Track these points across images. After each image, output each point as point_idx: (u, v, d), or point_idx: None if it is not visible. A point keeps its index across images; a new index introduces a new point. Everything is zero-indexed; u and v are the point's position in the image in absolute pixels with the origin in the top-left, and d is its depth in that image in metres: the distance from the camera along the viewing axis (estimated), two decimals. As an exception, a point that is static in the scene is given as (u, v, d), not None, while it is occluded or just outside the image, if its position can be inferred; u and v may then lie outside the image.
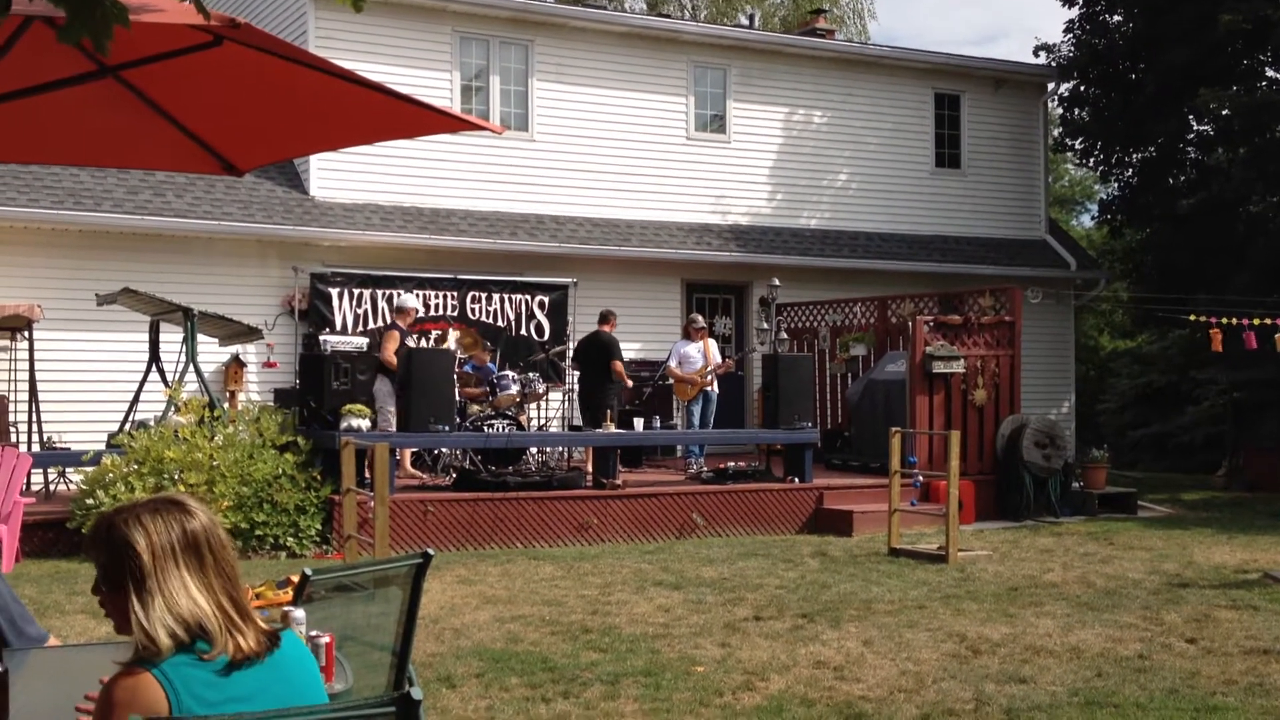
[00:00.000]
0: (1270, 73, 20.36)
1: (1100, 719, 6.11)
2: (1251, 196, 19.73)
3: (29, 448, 12.89)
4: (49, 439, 13.22)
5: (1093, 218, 31.95)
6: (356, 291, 15.30)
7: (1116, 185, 23.46)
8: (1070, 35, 21.51)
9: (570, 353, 15.51)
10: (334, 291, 15.20)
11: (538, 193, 17.18)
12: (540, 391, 14.11)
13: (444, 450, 13.78)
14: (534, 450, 14.30)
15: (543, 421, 15.66)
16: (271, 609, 5.80)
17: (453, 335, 14.77)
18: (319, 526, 11.53)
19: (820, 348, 17.68)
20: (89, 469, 11.43)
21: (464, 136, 15.16)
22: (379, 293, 15.38)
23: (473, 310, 15.86)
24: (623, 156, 17.77)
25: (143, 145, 4.48)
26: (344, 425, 11.72)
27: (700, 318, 15.43)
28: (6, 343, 13.83)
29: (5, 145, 4.59)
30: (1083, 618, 8.51)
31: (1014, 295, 15.59)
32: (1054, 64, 21.30)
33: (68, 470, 12.82)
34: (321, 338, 14.44)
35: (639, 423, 13.86)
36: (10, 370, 13.78)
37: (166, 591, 2.41)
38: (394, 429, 12.49)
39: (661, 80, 18.11)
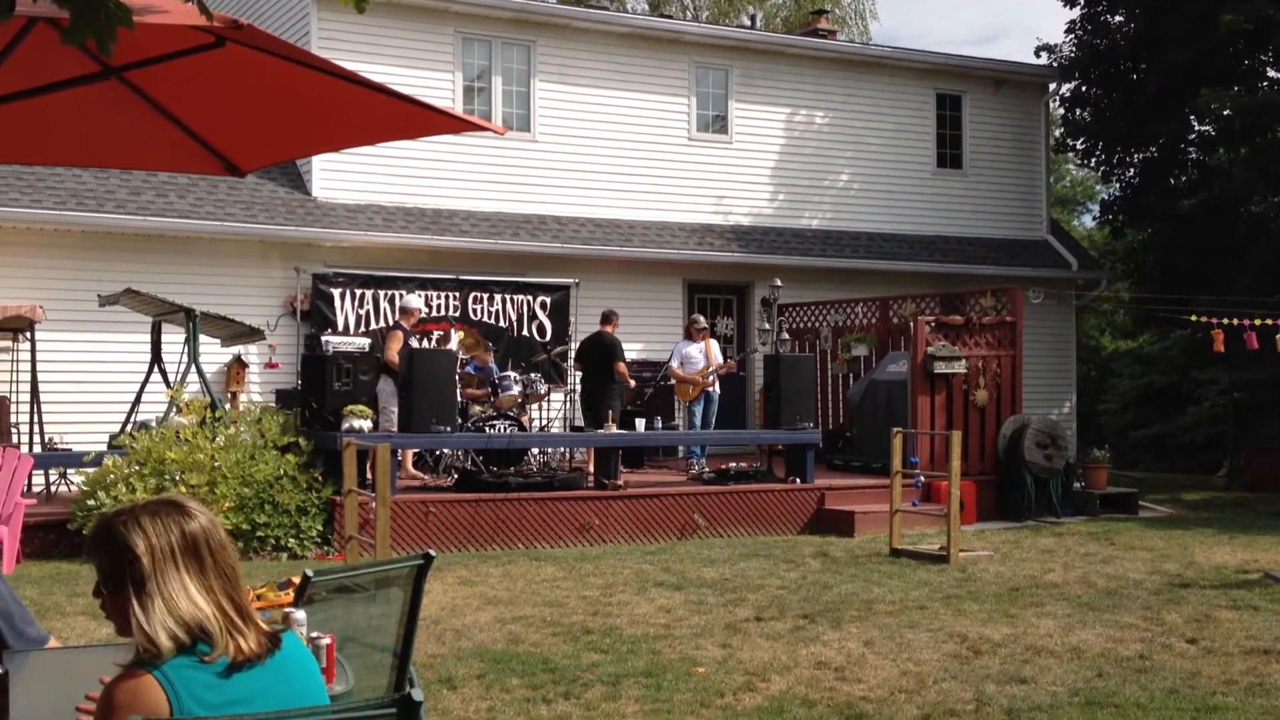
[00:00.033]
0: (1271, 73, 20.36)
1: (1101, 719, 6.11)
2: (1253, 197, 19.71)
3: (30, 449, 12.90)
4: (50, 440, 13.22)
5: (1094, 218, 31.93)
6: (358, 292, 15.31)
7: (1118, 185, 23.47)
8: (1071, 35, 21.52)
9: (572, 353, 15.52)
10: (336, 292, 15.20)
11: (539, 193, 17.19)
12: (542, 392, 14.12)
13: (446, 451, 13.78)
14: (536, 451, 14.30)
15: (544, 422, 15.66)
16: (273, 610, 5.81)
17: (456, 336, 14.76)
18: (320, 528, 11.53)
19: (822, 348, 17.69)
20: (90, 470, 11.43)
21: (466, 137, 15.16)
22: (381, 293, 15.38)
23: (474, 311, 15.86)
24: (624, 157, 17.77)
25: (146, 146, 4.48)
26: (345, 426, 11.73)
27: (702, 318, 15.43)
28: (8, 343, 13.84)
29: (8, 146, 4.59)
30: (1084, 618, 8.51)
31: (1015, 295, 15.59)
32: (1055, 64, 21.31)
33: (69, 471, 12.82)
34: (323, 338, 14.45)
35: (640, 423, 13.87)
36: (12, 371, 13.79)
37: (166, 594, 2.41)
38: (397, 429, 12.50)
39: (663, 81, 18.12)
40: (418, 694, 2.35)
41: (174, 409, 12.16)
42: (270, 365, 15.38)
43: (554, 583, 9.93)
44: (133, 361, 13.60)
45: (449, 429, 12.17)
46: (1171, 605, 9.01)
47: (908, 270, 18.95)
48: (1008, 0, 70.47)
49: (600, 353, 14.06)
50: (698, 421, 14.84)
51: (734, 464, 14.27)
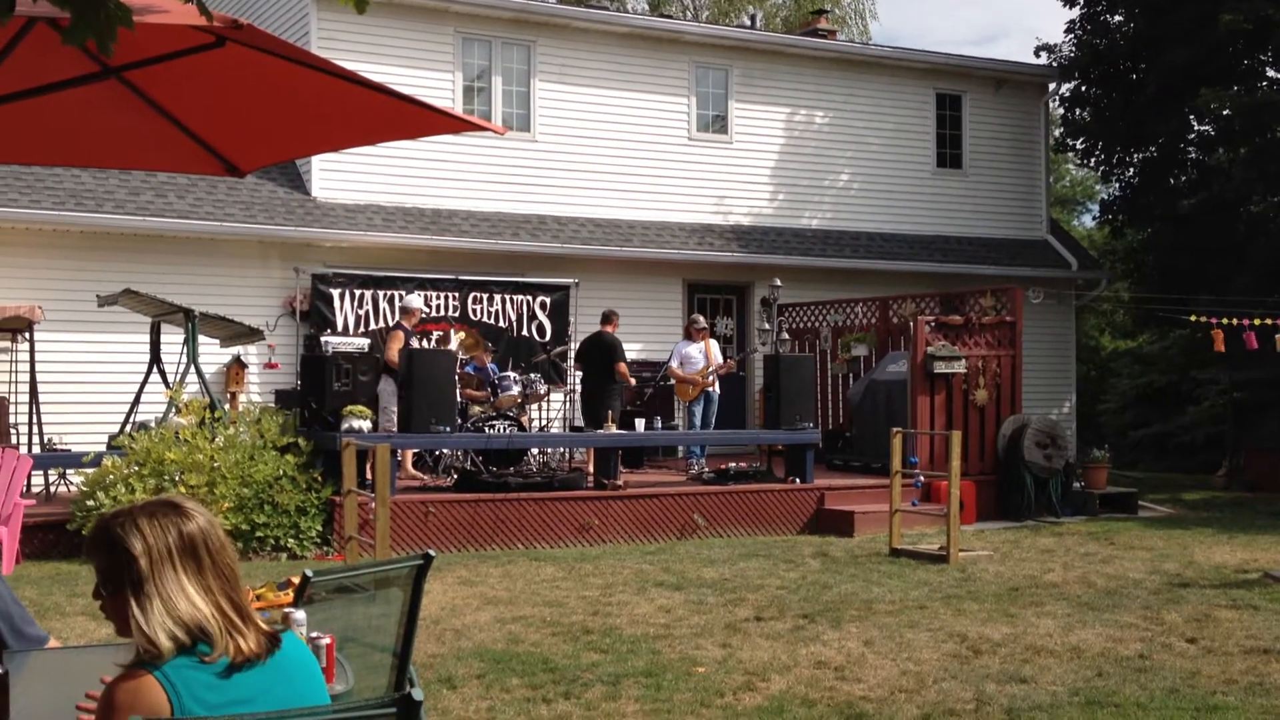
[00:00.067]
0: (1271, 73, 20.36)
1: (1101, 719, 6.11)
2: (1252, 197, 19.72)
3: (29, 449, 12.90)
4: (49, 440, 13.22)
5: (1094, 218, 31.95)
6: (358, 292, 15.30)
7: (1117, 185, 23.47)
8: (1071, 35, 21.53)
9: (572, 353, 15.52)
10: (335, 292, 15.20)
11: (539, 193, 17.19)
12: (541, 392, 14.11)
13: (445, 451, 13.78)
14: (535, 451, 14.30)
15: (544, 422, 15.66)
16: (272, 610, 5.81)
17: (457, 337, 14.76)
18: (320, 528, 11.53)
19: (822, 348, 17.69)
20: (89, 470, 11.43)
21: (466, 137, 15.16)
22: (380, 294, 15.38)
23: (474, 311, 15.86)
24: (624, 157, 17.77)
25: (145, 146, 4.48)
26: (345, 426, 11.73)
27: (701, 318, 15.42)
28: (7, 344, 13.83)
29: (7, 146, 4.59)
30: (1083, 618, 8.51)
31: (1015, 295, 15.60)
32: (1055, 64, 21.31)
33: (68, 472, 12.82)
34: (323, 339, 14.45)
35: (640, 423, 13.87)
36: (11, 371, 13.78)
37: (164, 594, 2.41)
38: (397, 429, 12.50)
39: (663, 81, 18.12)
40: (418, 694, 2.35)
41: (173, 409, 12.16)
42: (269, 366, 15.37)
43: (554, 583, 9.93)
44: (132, 362, 13.59)
45: (448, 429, 12.17)
46: (1171, 605, 9.02)
47: (908, 270, 18.96)
48: (1007, 0, 70.50)
49: (600, 353, 14.06)
50: (697, 421, 14.84)
51: (734, 464, 14.27)
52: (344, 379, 12.32)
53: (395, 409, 12.67)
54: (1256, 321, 16.17)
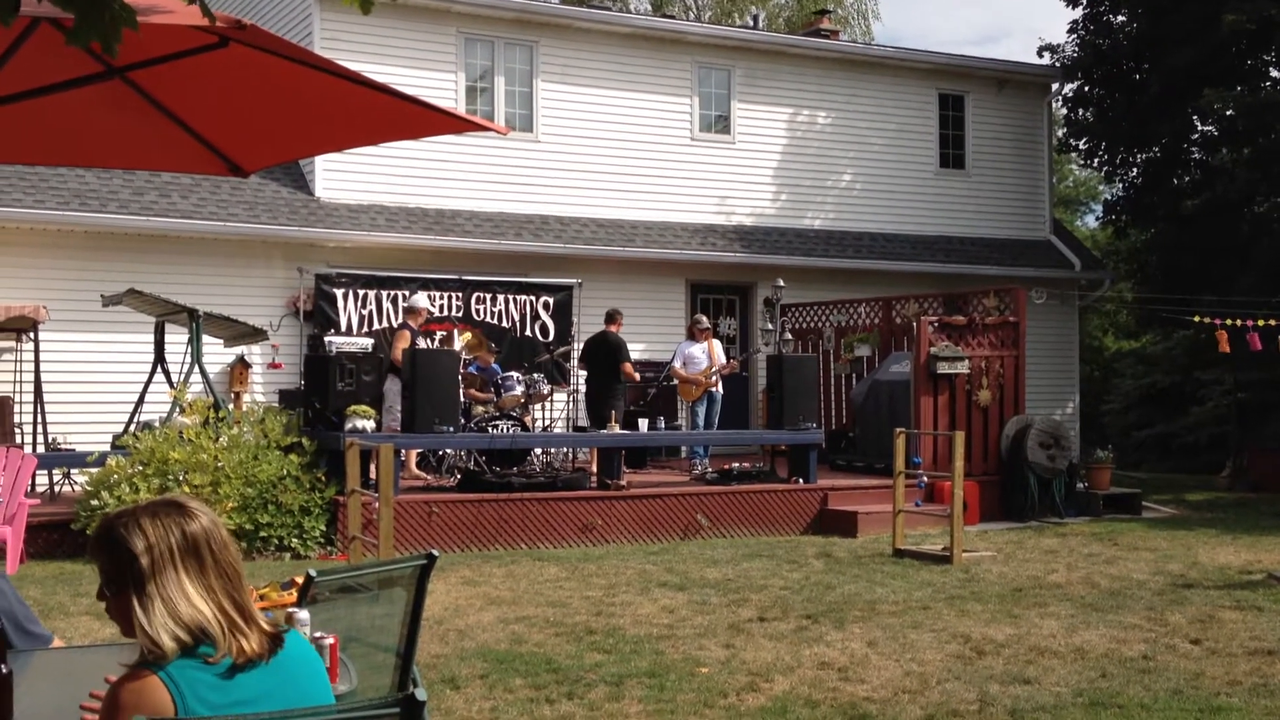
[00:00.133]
0: (1274, 73, 20.36)
1: (1105, 720, 6.11)
2: (1256, 197, 19.71)
3: (34, 449, 12.92)
4: (54, 440, 13.23)
5: (1097, 218, 31.95)
6: (361, 292, 15.30)
7: (1121, 186, 23.47)
8: (1074, 35, 21.52)
9: (576, 354, 15.52)
10: (339, 292, 15.20)
11: (542, 193, 17.19)
12: (545, 392, 14.11)
13: (449, 451, 13.78)
14: (538, 451, 14.30)
15: (547, 422, 15.66)
16: (276, 610, 5.81)
17: (463, 337, 14.76)
18: (323, 528, 11.53)
19: (825, 348, 17.68)
20: (94, 470, 11.44)
21: (469, 137, 15.16)
22: (384, 294, 15.38)
23: (477, 311, 15.86)
24: (627, 157, 17.78)
25: (149, 146, 4.48)
26: (349, 426, 11.74)
27: (704, 318, 15.43)
28: (12, 344, 13.85)
29: (11, 146, 4.59)
30: (1087, 618, 8.51)
31: (1018, 296, 15.58)
32: (1058, 64, 21.31)
33: (73, 471, 12.84)
34: (326, 339, 14.44)
35: (644, 423, 13.87)
36: (15, 371, 13.80)
37: (166, 595, 2.41)
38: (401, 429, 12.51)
39: (666, 81, 18.12)
40: (421, 693, 2.35)
41: (177, 409, 12.17)
42: (273, 365, 15.38)
43: (557, 583, 9.93)
44: (136, 362, 13.60)
45: (452, 429, 12.18)
46: (1175, 606, 9.01)
47: (910, 270, 18.95)
48: (1010, 0, 70.48)
49: (605, 353, 14.07)
50: (700, 422, 14.84)
51: (737, 464, 14.27)
52: (347, 379, 12.32)
53: (400, 408, 12.68)
54: (1260, 322, 16.16)
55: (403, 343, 13.14)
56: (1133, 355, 30.12)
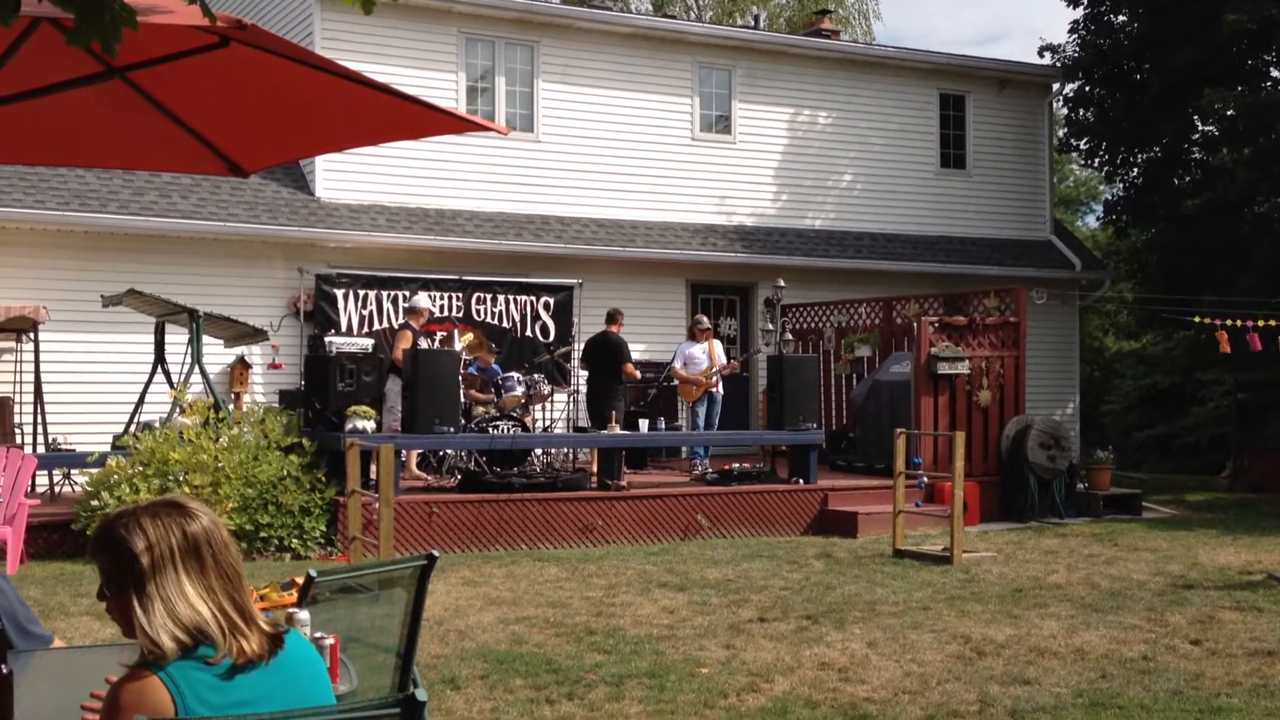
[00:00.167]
0: (1275, 73, 20.36)
1: (1105, 721, 6.11)
2: (1256, 197, 19.71)
3: (34, 449, 12.91)
4: (54, 441, 13.23)
5: (1098, 218, 31.95)
6: (362, 293, 15.30)
7: (1121, 186, 23.47)
8: (1075, 35, 21.52)
9: (577, 354, 15.52)
10: (339, 293, 15.20)
11: (543, 194, 17.19)
12: (545, 393, 14.11)
13: (449, 452, 13.78)
14: (539, 452, 14.31)
15: (548, 423, 15.66)
16: (276, 611, 5.81)
17: (466, 338, 14.76)
18: (324, 528, 11.53)
19: (825, 349, 17.68)
20: (94, 471, 11.44)
21: (469, 137, 15.16)
22: (384, 294, 15.38)
23: (478, 311, 15.86)
24: (627, 157, 17.77)
25: (149, 146, 4.48)
26: (349, 427, 11.74)
27: (705, 319, 15.43)
28: (12, 344, 13.85)
29: (11, 146, 4.59)
30: (1087, 619, 8.51)
31: (1019, 296, 15.58)
32: (1059, 64, 21.30)
33: (73, 472, 12.83)
34: (326, 339, 14.43)
35: (644, 424, 13.87)
36: (15, 372, 13.80)
37: (165, 596, 2.41)
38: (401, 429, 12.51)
39: (666, 81, 18.12)
40: (421, 694, 2.35)
41: (177, 410, 12.17)
42: (273, 366, 15.38)
43: (557, 583, 9.93)
44: (136, 362, 13.60)
45: (452, 430, 12.18)
46: (1175, 606, 9.00)
47: (911, 271, 18.95)
48: (1011, 0, 70.50)
49: (606, 353, 14.06)
50: (701, 422, 14.84)
51: (737, 465, 14.27)
52: (348, 379, 12.32)
53: (402, 408, 12.67)
54: (1260, 323, 16.15)
55: (404, 343, 13.14)
56: (1133, 356, 30.12)
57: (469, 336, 14.86)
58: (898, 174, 19.71)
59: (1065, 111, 22.17)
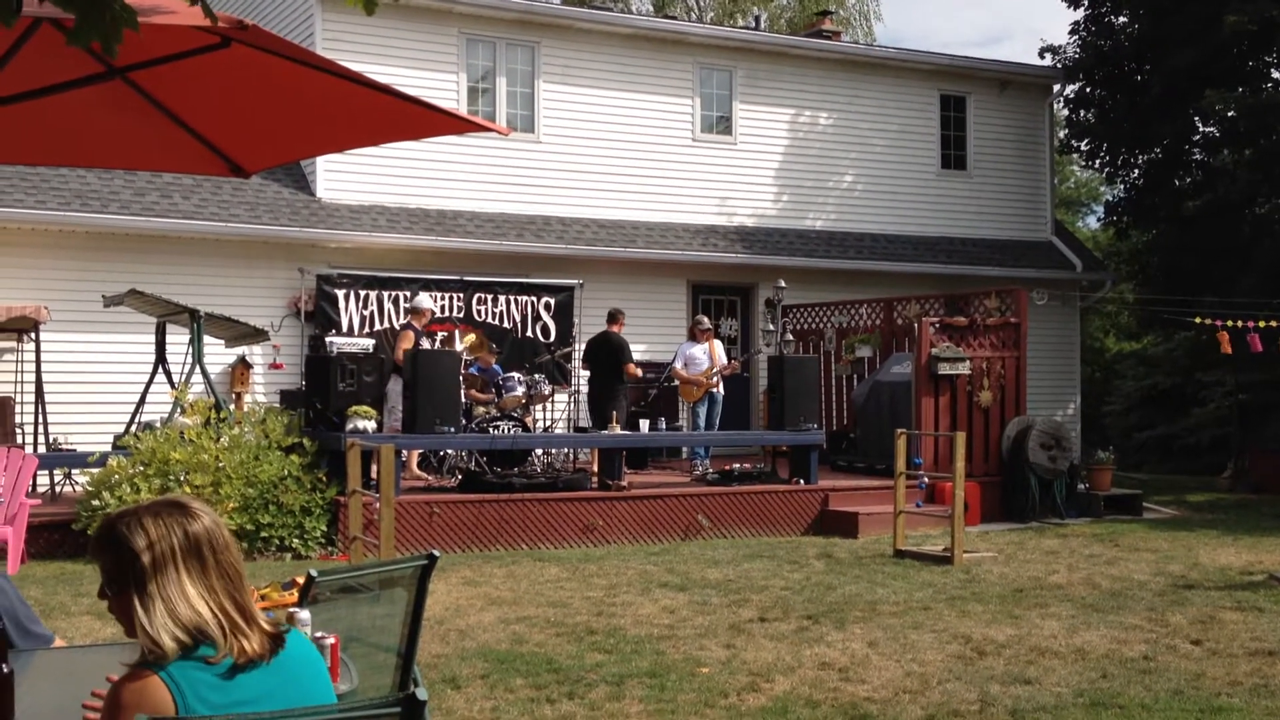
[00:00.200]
0: (1276, 74, 20.35)
1: (1105, 721, 6.11)
2: (1257, 198, 19.71)
3: (35, 449, 12.92)
4: (55, 440, 13.24)
5: (1099, 219, 31.97)
6: (363, 293, 15.30)
7: (1122, 187, 23.47)
8: (1076, 37, 21.51)
9: (577, 354, 15.52)
10: (340, 293, 15.20)
11: (543, 194, 17.19)
12: (546, 393, 14.12)
13: (450, 452, 13.79)
14: (539, 452, 14.31)
15: (548, 423, 15.67)
16: (277, 610, 5.81)
17: (468, 339, 14.76)
18: (324, 528, 11.54)
19: (826, 349, 17.68)
20: (95, 470, 11.45)
21: (470, 138, 15.17)
22: (385, 294, 15.38)
23: (479, 312, 15.86)
24: (628, 158, 17.78)
25: (150, 147, 4.48)
26: (350, 427, 11.74)
27: (705, 319, 15.43)
28: (13, 344, 13.86)
29: (12, 146, 4.59)
30: (1088, 619, 8.51)
31: (1019, 297, 15.58)
32: (1059, 65, 21.30)
33: (74, 472, 12.84)
34: (327, 339, 14.44)
35: (645, 424, 13.87)
36: (17, 372, 13.81)
37: (166, 595, 2.41)
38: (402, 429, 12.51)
39: (667, 82, 18.12)
40: (422, 693, 2.35)
41: (178, 410, 12.18)
42: (274, 366, 15.39)
43: (558, 583, 9.93)
44: (137, 362, 13.61)
45: (453, 430, 12.18)
46: (1176, 607, 9.01)
47: (912, 271, 18.95)
48: (1011, 1, 70.50)
49: (607, 353, 14.07)
50: (702, 422, 14.84)
51: (738, 465, 14.27)
52: (349, 379, 12.33)
53: (403, 408, 12.68)
54: (1261, 323, 16.15)
55: (407, 343, 13.15)
56: (1134, 356, 30.12)
57: (470, 337, 14.87)
58: (898, 175, 19.71)
59: (1066, 113, 22.18)
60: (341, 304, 15.19)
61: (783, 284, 16.21)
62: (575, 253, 16.79)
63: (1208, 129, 20.91)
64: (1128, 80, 21.23)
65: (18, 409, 13.45)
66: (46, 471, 12.65)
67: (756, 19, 25.16)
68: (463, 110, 15.54)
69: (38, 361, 13.54)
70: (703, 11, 34.88)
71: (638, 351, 14.96)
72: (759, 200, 18.77)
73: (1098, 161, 22.67)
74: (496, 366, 14.43)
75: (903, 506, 11.74)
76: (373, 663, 3.70)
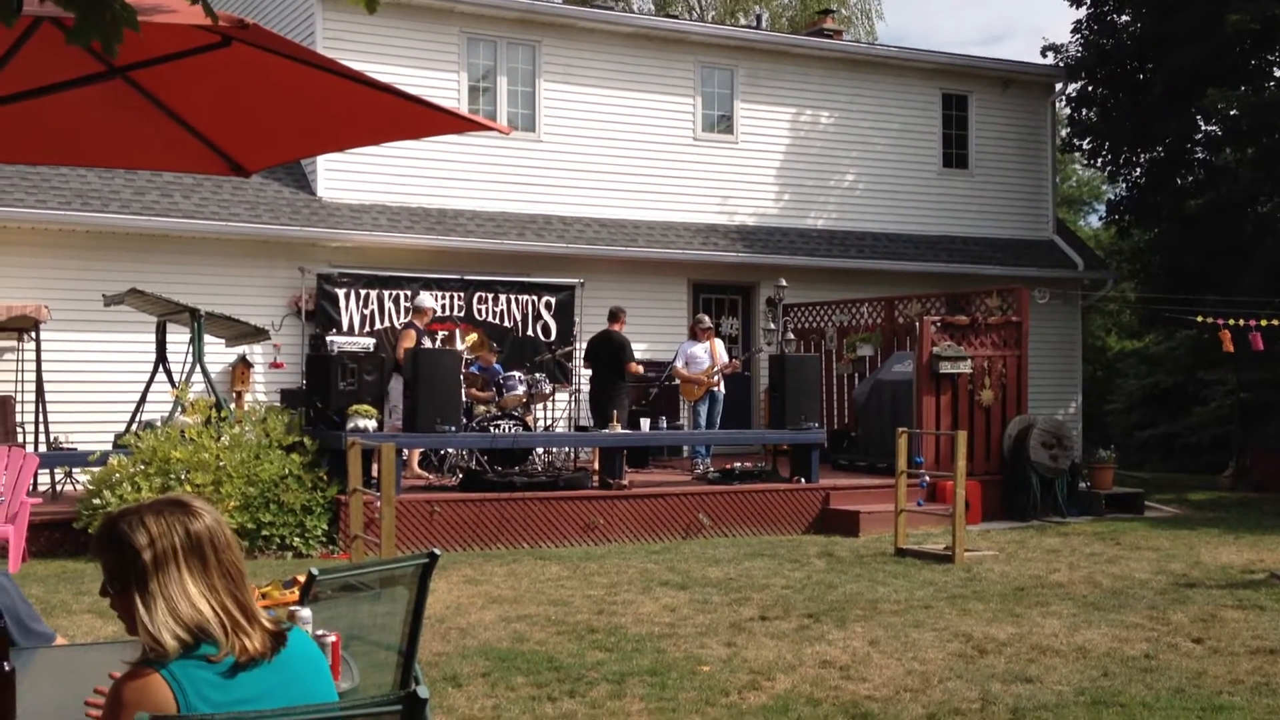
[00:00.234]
0: (1278, 73, 20.33)
1: (1106, 718, 6.10)
2: (1259, 197, 19.70)
3: (36, 448, 12.93)
4: (56, 439, 13.25)
5: (1100, 218, 31.95)
6: (363, 292, 15.31)
7: (1124, 185, 23.45)
8: (1078, 35, 21.51)
9: (579, 353, 15.52)
10: (341, 292, 15.21)
11: (544, 193, 17.19)
12: (547, 392, 14.12)
13: (450, 451, 13.79)
14: (540, 451, 14.31)
15: (549, 422, 15.67)
16: (278, 609, 5.82)
17: (470, 338, 14.77)
18: (325, 527, 11.54)
19: (827, 348, 17.68)
20: (96, 469, 11.46)
21: (471, 137, 15.17)
22: (386, 293, 15.38)
23: (480, 311, 15.87)
24: (629, 157, 17.78)
25: (150, 146, 4.48)
26: (350, 426, 11.74)
27: (706, 318, 15.44)
28: (14, 343, 13.87)
29: (13, 146, 4.60)
30: (1089, 618, 8.51)
31: (1021, 295, 15.58)
32: (1062, 64, 21.29)
33: (74, 470, 12.85)
34: (328, 338, 14.45)
35: (645, 423, 13.87)
36: (17, 371, 13.82)
37: (168, 594, 2.41)
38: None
39: (668, 81, 18.12)
40: (423, 691, 2.35)
41: (179, 408, 12.19)
42: (275, 365, 15.40)
43: (559, 582, 9.93)
44: (138, 361, 13.62)
45: (454, 429, 12.18)
46: (1177, 605, 9.00)
47: (913, 270, 18.95)
48: (1013, 0, 70.47)
49: (608, 352, 14.07)
50: (703, 421, 14.84)
51: (739, 464, 14.28)
52: (349, 378, 12.33)
53: (403, 407, 12.68)
54: (1263, 322, 16.15)
55: (408, 342, 13.15)
56: (1135, 355, 30.11)
57: (472, 336, 14.87)
58: (900, 174, 19.71)
59: (1068, 111, 22.17)
60: (342, 303, 15.20)
61: (784, 283, 16.21)
62: (576, 252, 16.79)
63: (1210, 128, 20.89)
64: (1130, 79, 21.22)
65: (18, 408, 13.46)
66: (47, 470, 12.67)
67: (758, 18, 25.12)
68: (464, 109, 15.54)
69: (38, 361, 13.55)
70: (704, 10, 34.87)
71: (639, 350, 14.96)
72: (760, 199, 18.77)
73: (1099, 160, 22.66)
74: (497, 365, 14.44)
75: (904, 505, 11.74)
76: (374, 661, 3.70)
